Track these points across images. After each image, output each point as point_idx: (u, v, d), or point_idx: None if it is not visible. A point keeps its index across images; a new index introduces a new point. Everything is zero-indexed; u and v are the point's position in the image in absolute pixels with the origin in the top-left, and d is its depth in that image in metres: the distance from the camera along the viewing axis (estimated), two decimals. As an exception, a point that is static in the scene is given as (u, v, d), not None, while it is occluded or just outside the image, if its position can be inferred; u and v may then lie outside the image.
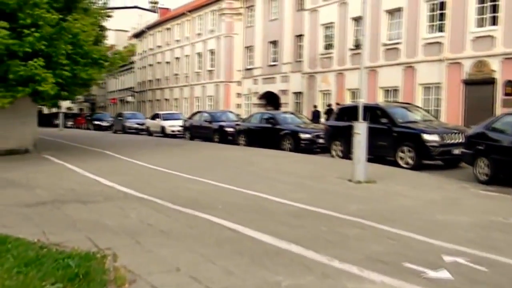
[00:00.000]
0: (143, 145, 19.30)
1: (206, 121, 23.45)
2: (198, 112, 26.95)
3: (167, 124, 28.28)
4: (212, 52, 42.53)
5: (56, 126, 48.25)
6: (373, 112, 13.82)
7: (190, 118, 26.27)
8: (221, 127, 22.36)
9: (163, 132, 28.19)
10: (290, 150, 17.33)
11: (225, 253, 4.97)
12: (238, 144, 20.42)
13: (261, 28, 35.61)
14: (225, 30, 40.50)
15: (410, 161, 12.68)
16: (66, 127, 46.45)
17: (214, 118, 23.52)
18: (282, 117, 19.53)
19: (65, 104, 78.81)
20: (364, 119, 10.57)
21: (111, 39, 66.07)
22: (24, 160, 12.78)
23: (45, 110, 40.57)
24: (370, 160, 10.61)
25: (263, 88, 35.43)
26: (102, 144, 19.19)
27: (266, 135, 19.16)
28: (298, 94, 31.74)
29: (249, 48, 37.50)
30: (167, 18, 50.46)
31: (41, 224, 6.25)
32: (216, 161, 13.53)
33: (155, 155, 14.94)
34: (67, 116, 50.85)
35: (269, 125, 19.05)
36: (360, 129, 10.22)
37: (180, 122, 26.63)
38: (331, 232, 5.92)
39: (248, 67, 37.55)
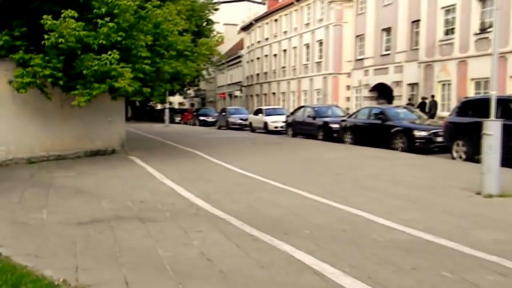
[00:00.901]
0: (239, 144, 18.02)
1: (309, 116, 21.69)
2: (302, 107, 25.23)
3: (269, 119, 26.88)
4: (320, 42, 40.69)
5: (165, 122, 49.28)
6: (506, 106, 11.30)
7: (293, 113, 24.64)
8: (326, 123, 20.48)
9: (265, 128, 26.86)
10: (403, 150, 15.11)
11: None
12: (343, 142, 18.50)
13: (373, 15, 33.11)
14: (334, 19, 38.50)
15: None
16: (174, 122, 47.07)
17: (319, 113, 21.68)
18: (393, 112, 17.26)
19: (177, 99, 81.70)
20: (496, 115, 8.27)
21: (219, 31, 66.98)
22: (106, 163, 11.93)
23: (159, 106, 41.42)
24: (502, 164, 8.24)
25: (374, 79, 32.95)
26: (197, 143, 18.22)
27: (375, 132, 17.03)
28: (413, 85, 28.98)
29: (359, 37, 35.13)
30: (275, 9, 49.29)
31: (81, 253, 4.99)
32: (315, 164, 11.81)
33: (249, 156, 13.54)
34: (175, 111, 51.61)
35: (379, 121, 16.90)
36: (492, 129, 7.94)
37: (283, 118, 25.10)
38: (457, 281, 4.03)
39: (359, 57, 35.23)
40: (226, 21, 69.15)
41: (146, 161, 12.01)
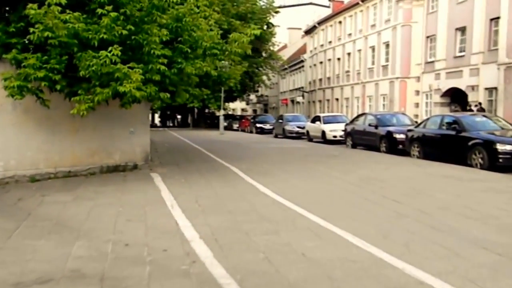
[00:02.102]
0: (288, 157, 15.84)
1: (371, 125, 19.16)
2: (362, 114, 22.58)
3: (327, 128, 24.45)
4: (387, 44, 37.93)
5: (225, 128, 47.79)
6: None
7: (352, 121, 22.10)
8: (389, 133, 17.91)
9: (323, 138, 24.50)
10: (482, 168, 12.48)
11: None
12: (410, 155, 15.96)
13: (446, 13, 30.15)
14: (402, 19, 35.69)
15: None
16: (232, 129, 45.54)
17: (381, 121, 19.12)
18: (470, 121, 14.51)
19: (240, 105, 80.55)
20: None
21: (283, 37, 65.19)
22: (120, 182, 10.11)
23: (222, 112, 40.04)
24: None
25: (447, 84, 29.87)
26: (240, 155, 16.25)
27: (448, 145, 14.40)
28: (491, 90, 25.74)
29: (430, 38, 32.23)
30: (339, 11, 46.80)
31: None
32: (372, 187, 9.48)
33: (293, 174, 11.37)
34: (234, 118, 50.09)
35: (452, 132, 14.25)
36: None
37: (343, 126, 22.59)
38: None
39: (429, 60, 32.31)
40: (290, 25, 67.35)
41: (167, 180, 10.13)
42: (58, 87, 8.82)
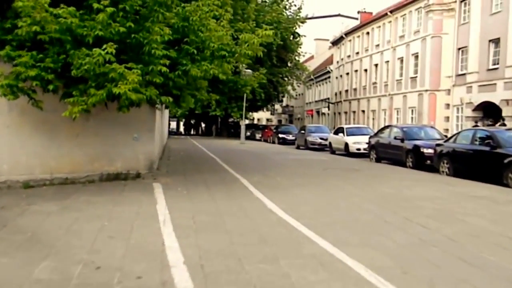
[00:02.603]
0: (305, 170, 14.81)
1: (396, 138, 17.97)
2: (388, 126, 21.32)
3: (351, 140, 23.26)
4: (416, 56, 36.62)
5: (248, 138, 46.97)
6: None
7: (376, 134, 20.91)
8: (417, 147, 16.72)
9: (346, 150, 23.35)
10: (519, 188, 11.31)
11: None
12: (438, 172, 14.79)
13: (478, 24, 28.81)
14: (432, 30, 34.41)
15: None
16: (254, 139, 44.70)
17: (408, 134, 17.93)
18: (506, 137, 13.29)
19: (265, 115, 79.74)
20: None
21: (310, 48, 64.29)
22: (117, 192, 9.23)
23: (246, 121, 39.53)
24: None
25: (479, 97, 28.44)
26: (254, 166, 15.31)
27: (481, 162, 13.19)
28: (528, 104, 24.30)
29: (462, 50, 30.88)
30: (367, 22, 45.66)
31: None
32: (393, 207, 8.41)
33: (307, 188, 10.36)
34: (257, 128, 49.24)
35: (486, 148, 13.05)
36: None
37: (367, 139, 21.40)
38: None
39: (460, 72, 30.92)
40: (318, 36, 66.35)
41: (167, 191, 9.24)
42: (51, 87, 8.03)
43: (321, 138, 28.24)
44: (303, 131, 31.67)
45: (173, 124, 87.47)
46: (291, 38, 45.56)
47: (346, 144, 23.35)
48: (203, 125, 70.16)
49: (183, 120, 73.51)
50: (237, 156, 19.62)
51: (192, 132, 75.48)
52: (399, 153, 17.56)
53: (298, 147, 30.95)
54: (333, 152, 25.05)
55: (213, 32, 8.75)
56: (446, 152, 14.80)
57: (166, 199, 8.41)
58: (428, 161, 16.02)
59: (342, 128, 25.70)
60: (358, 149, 22.44)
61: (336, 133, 25.65)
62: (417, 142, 17.04)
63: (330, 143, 25.84)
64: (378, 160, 19.16)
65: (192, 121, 75.39)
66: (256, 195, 9.18)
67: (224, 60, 9.13)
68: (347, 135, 23.99)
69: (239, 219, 7.13)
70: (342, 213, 7.77)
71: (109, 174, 10.39)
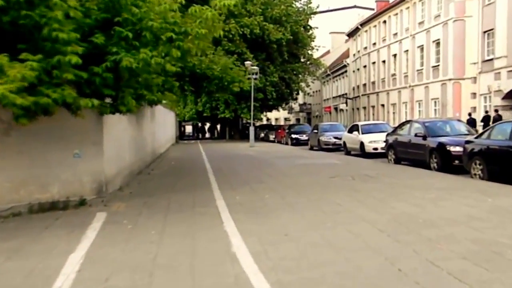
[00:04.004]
0: (307, 180, 12.21)
1: (418, 135, 15.29)
2: (408, 121, 18.49)
3: (366, 139, 20.57)
4: (437, 43, 33.87)
5: (262, 139, 44.57)
6: None
7: (395, 131, 18.23)
8: (442, 145, 14.10)
9: (362, 150, 20.73)
10: None
11: None
12: (470, 174, 12.23)
13: (505, 5, 26.15)
14: (454, 13, 31.71)
15: None
16: (268, 140, 42.35)
17: (431, 130, 15.26)
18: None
19: (283, 114, 77.14)
20: None
21: (326, 42, 61.51)
22: (37, 231, 6.82)
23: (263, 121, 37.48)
24: None
25: (508, 84, 25.63)
26: (248, 178, 12.82)
27: (523, 162, 10.61)
28: None
29: (488, 33, 28.18)
30: (383, 10, 42.86)
31: None
32: (414, 240, 5.91)
33: (299, 211, 7.85)
34: (271, 128, 46.83)
35: (530, 144, 10.47)
36: None
37: (385, 136, 18.68)
38: None
39: (487, 57, 28.20)
40: (333, 29, 63.49)
41: (108, 226, 6.92)
42: None
43: (336, 138, 25.58)
44: (315, 131, 29.03)
45: (189, 128, 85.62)
46: (302, 32, 43.08)
47: (362, 144, 20.70)
48: (218, 128, 68.00)
49: (207, 124, 71.40)
50: (235, 164, 17.21)
51: (206, 136, 73.41)
52: (422, 152, 14.94)
53: (311, 148, 28.40)
54: (348, 152, 22.44)
55: (153, 6, 6.38)
56: (478, 150, 12.16)
57: (94, 242, 6.07)
58: (457, 161, 13.43)
59: (357, 125, 22.89)
60: (375, 149, 19.78)
61: (350, 131, 22.91)
62: (442, 139, 14.39)
63: (344, 142, 23.21)
64: (397, 161, 16.53)
65: (207, 124, 73.37)
66: (226, 227, 6.78)
67: (173, 44, 6.76)
68: (363, 133, 21.28)
69: (176, 278, 4.74)
70: (338, 257, 5.32)
71: (41, 204, 8.08)
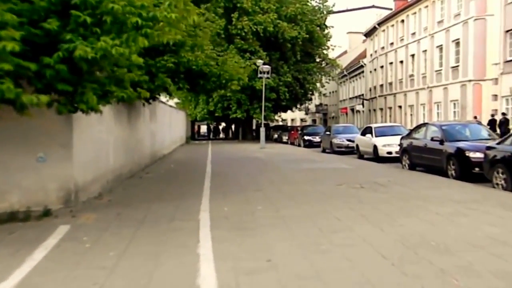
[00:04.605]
0: (310, 188, 11.12)
1: (434, 139, 14.09)
2: (423, 124, 17.20)
3: (380, 142, 19.35)
4: (457, 42, 32.46)
5: (276, 141, 43.49)
6: None
7: (409, 134, 16.99)
8: (460, 151, 12.92)
9: (375, 154, 19.55)
10: None
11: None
12: (492, 184, 11.06)
13: (529, 2, 24.64)
14: (475, 12, 30.30)
15: None
16: (281, 142, 41.30)
17: (449, 134, 14.06)
18: None
19: (299, 115, 75.96)
20: None
21: (344, 42, 60.17)
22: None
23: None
24: None
25: (533, 86, 24.24)
26: (246, 184, 11.79)
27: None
28: None
29: (510, 32, 26.65)
30: (401, 9, 41.47)
31: None
32: (425, 272, 4.83)
33: (292, 228, 6.79)
34: (284, 129, 45.71)
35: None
36: None
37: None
38: None
39: (509, 58, 26.78)
40: (351, 29, 62.11)
41: (64, 244, 5.96)
42: None
43: (349, 140, 24.40)
44: (328, 133, 27.86)
45: (204, 128, 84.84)
46: (318, 31, 41.91)
47: (375, 147, 19.50)
48: (233, 128, 67.07)
49: (222, 124, 70.47)
50: (238, 168, 16.17)
51: (221, 136, 72.55)
52: (438, 158, 13.76)
53: (323, 151, 27.25)
54: (360, 156, 21.26)
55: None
56: (501, 157, 10.97)
57: (36, 267, 5.06)
58: (477, 169, 12.27)
59: (370, 127, 21.62)
60: (389, 153, 18.57)
61: (363, 133, 21.69)
62: (461, 144, 13.21)
63: (357, 145, 22.03)
64: (411, 167, 15.34)
65: (221, 124, 72.53)
66: (200, 247, 5.74)
67: (139, 32, 5.75)
68: (376, 135, 20.08)
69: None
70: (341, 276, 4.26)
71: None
